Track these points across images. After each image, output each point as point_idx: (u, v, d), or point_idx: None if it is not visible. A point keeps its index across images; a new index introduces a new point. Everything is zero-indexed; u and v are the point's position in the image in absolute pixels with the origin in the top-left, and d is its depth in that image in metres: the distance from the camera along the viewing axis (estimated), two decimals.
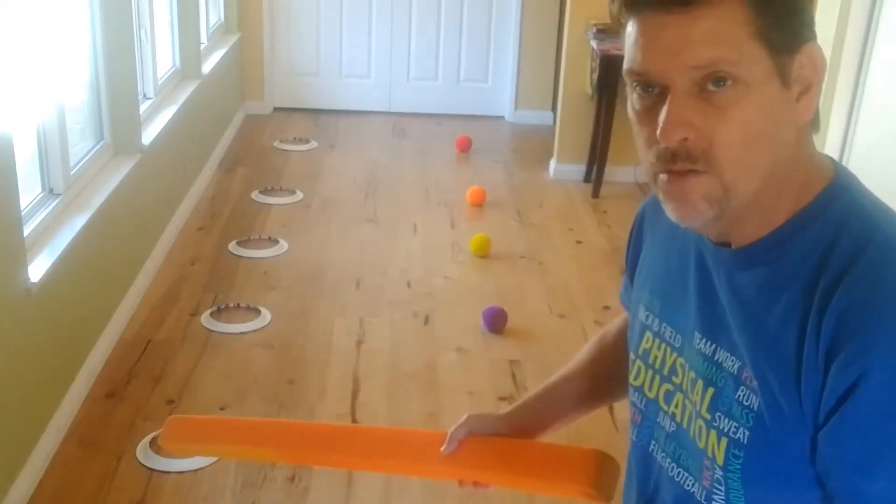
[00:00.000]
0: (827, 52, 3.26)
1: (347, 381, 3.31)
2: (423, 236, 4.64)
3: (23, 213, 2.75)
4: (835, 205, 0.96)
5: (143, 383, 3.23)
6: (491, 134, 6.41)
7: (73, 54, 3.49)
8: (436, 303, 3.93)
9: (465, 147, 6.01)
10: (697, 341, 1.04)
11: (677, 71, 0.90)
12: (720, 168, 0.91)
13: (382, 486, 2.79)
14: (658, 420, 1.11)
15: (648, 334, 1.13)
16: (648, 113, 0.94)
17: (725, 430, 0.99)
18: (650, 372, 1.12)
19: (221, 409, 3.09)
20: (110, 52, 3.75)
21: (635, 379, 1.15)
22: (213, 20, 6.00)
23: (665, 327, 1.10)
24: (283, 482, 2.77)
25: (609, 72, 4.87)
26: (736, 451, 0.98)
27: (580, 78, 5.39)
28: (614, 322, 1.38)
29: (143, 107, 4.18)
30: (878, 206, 0.97)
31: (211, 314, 3.69)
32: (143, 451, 2.84)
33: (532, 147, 6.14)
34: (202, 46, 5.37)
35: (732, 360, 0.99)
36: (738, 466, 0.98)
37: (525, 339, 3.67)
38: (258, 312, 3.73)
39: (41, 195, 3.14)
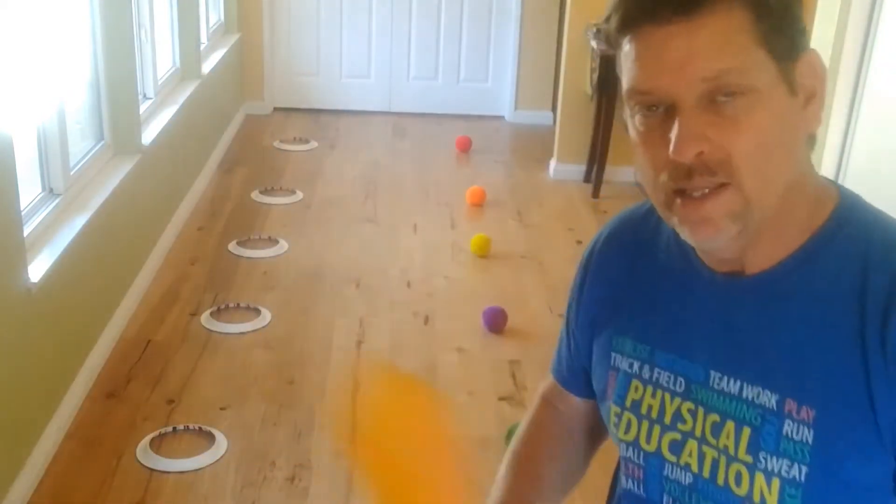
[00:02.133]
0: (827, 54, 3.28)
1: (347, 381, 3.31)
2: (423, 236, 4.64)
3: (23, 213, 2.75)
4: (852, 221, 0.95)
5: (143, 383, 3.23)
6: (491, 134, 6.41)
7: (73, 54, 3.49)
8: (436, 303, 3.93)
9: (465, 147, 6.01)
10: (716, 381, 0.98)
11: (684, 85, 0.86)
12: (741, 177, 0.88)
13: None
14: (666, 473, 1.03)
15: (637, 383, 1.06)
16: (653, 133, 0.90)
17: (776, 470, 0.93)
18: (645, 423, 1.05)
19: (222, 409, 3.10)
20: (110, 52, 3.75)
21: (626, 433, 1.07)
22: (213, 20, 6.00)
23: (660, 373, 1.04)
24: (284, 482, 2.77)
25: (609, 72, 4.86)
26: (792, 491, 0.93)
27: (580, 78, 5.39)
28: (522, 430, 1.27)
29: (143, 107, 4.18)
30: (886, 216, 0.98)
31: (211, 314, 3.69)
32: (143, 451, 2.84)
33: (532, 147, 6.14)
34: (202, 46, 5.37)
35: (768, 394, 0.94)
36: None
37: (525, 339, 3.67)
38: (258, 312, 3.73)
39: (41, 195, 3.14)
